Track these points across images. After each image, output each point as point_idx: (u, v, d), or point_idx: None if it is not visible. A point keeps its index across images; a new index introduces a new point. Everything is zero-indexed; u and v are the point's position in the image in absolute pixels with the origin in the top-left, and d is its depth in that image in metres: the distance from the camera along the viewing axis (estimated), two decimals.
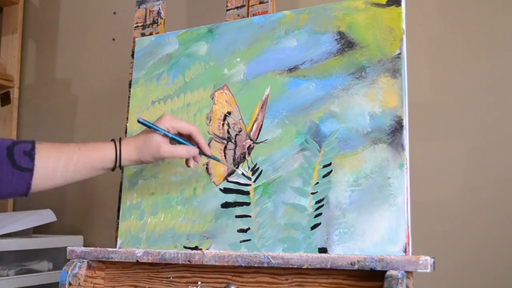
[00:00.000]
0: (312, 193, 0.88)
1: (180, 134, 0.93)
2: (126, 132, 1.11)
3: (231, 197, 0.95)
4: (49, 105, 1.82)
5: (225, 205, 0.95)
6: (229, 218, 0.94)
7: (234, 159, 0.97)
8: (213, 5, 1.50)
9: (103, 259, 0.93)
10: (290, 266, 0.78)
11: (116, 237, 1.05)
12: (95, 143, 0.94)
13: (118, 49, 1.67)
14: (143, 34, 1.17)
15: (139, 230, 1.02)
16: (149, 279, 0.93)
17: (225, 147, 0.99)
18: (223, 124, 1.00)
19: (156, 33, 1.16)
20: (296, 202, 0.89)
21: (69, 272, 0.92)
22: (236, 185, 0.95)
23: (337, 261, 0.74)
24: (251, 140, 0.97)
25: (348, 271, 0.76)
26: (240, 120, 0.99)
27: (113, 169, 0.93)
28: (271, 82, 0.97)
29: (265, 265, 0.79)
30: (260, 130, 0.96)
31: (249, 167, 0.95)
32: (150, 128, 0.91)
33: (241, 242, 0.92)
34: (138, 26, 1.19)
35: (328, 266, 0.75)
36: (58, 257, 1.50)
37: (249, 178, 0.94)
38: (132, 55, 1.16)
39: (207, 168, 0.99)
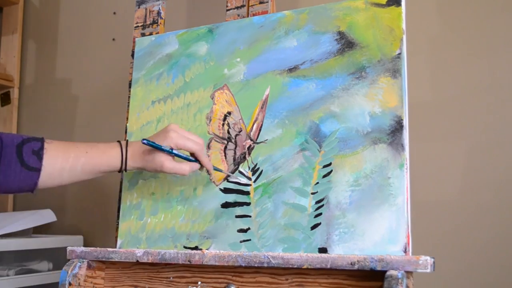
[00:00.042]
0: (312, 193, 0.88)
1: None
2: (126, 132, 1.11)
3: (231, 197, 0.95)
4: (49, 105, 1.82)
5: (225, 205, 0.95)
6: (229, 218, 0.94)
7: (234, 159, 0.97)
8: (213, 5, 1.50)
9: (103, 259, 0.93)
10: (290, 266, 0.78)
11: (116, 237, 1.05)
12: (102, 146, 0.95)
13: (118, 49, 1.67)
14: (143, 34, 1.17)
15: (139, 230, 1.02)
16: (149, 279, 0.93)
17: (225, 147, 0.99)
18: (223, 124, 1.00)
19: (156, 33, 1.16)
20: (296, 202, 0.89)
21: (69, 272, 0.92)
22: (236, 185, 0.95)
23: (337, 261, 0.74)
24: (251, 140, 0.97)
25: (348, 271, 0.76)
26: (240, 120, 0.99)
27: (119, 171, 0.96)
28: (271, 82, 0.97)
29: (265, 265, 0.79)
30: (260, 130, 0.96)
31: (249, 167, 0.95)
32: (154, 147, 0.91)
33: (241, 242, 0.92)
34: (138, 26, 1.19)
35: (328, 266, 0.75)
36: (58, 257, 1.50)
37: (250, 178, 0.94)
38: (132, 55, 1.16)
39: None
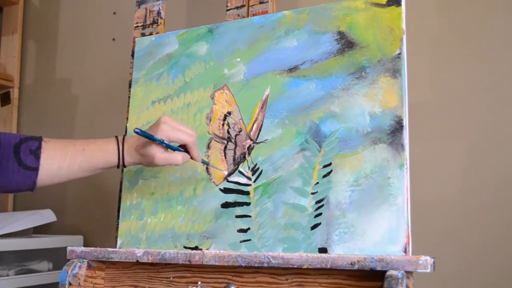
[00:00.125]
0: (312, 193, 0.88)
1: None
2: (126, 132, 1.11)
3: (231, 197, 0.95)
4: (49, 105, 1.82)
5: (225, 205, 0.95)
6: (229, 218, 0.94)
7: (234, 159, 0.97)
8: (213, 5, 1.50)
9: (103, 259, 0.93)
10: (290, 266, 0.78)
11: (116, 237, 1.05)
12: (99, 142, 0.96)
13: (118, 49, 1.67)
14: (143, 34, 1.17)
15: (139, 230, 1.02)
16: (149, 279, 0.93)
17: (225, 147, 0.99)
18: (223, 124, 1.00)
19: (156, 33, 1.16)
20: (296, 202, 0.89)
21: (69, 272, 0.92)
22: (236, 185, 0.95)
23: (337, 261, 0.74)
24: (251, 140, 0.97)
25: (348, 271, 0.76)
26: (240, 120, 0.99)
27: (118, 167, 0.97)
28: (271, 82, 0.97)
29: (265, 265, 0.79)
30: (260, 130, 0.96)
31: (249, 167, 0.95)
32: (146, 137, 0.90)
33: (241, 242, 0.92)
34: (138, 26, 1.19)
35: (328, 266, 0.75)
36: (58, 257, 1.50)
37: (250, 178, 0.94)
38: (132, 55, 1.16)
39: (207, 168, 0.99)
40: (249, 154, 0.96)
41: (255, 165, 0.95)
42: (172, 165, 0.93)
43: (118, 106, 1.53)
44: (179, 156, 0.92)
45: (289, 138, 0.93)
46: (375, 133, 0.86)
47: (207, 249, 0.94)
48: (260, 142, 0.95)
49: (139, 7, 1.20)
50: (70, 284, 0.91)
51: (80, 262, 0.93)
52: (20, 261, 1.44)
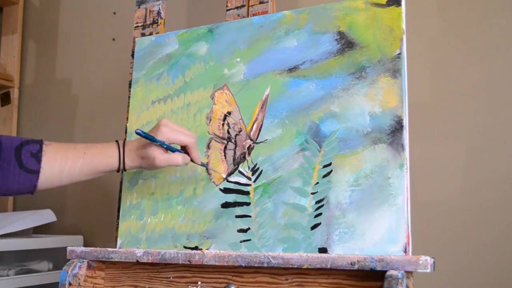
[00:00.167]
0: (312, 193, 0.88)
1: None
2: (126, 132, 1.11)
3: (231, 197, 0.95)
4: (49, 105, 1.82)
5: (225, 205, 0.95)
6: (229, 218, 0.94)
7: (234, 159, 0.97)
8: (213, 5, 1.50)
9: (103, 259, 0.93)
10: (290, 266, 0.78)
11: (116, 237, 1.05)
12: (100, 146, 0.96)
13: (118, 49, 1.67)
14: (143, 34, 1.17)
15: (139, 230, 1.02)
16: (149, 279, 0.93)
17: (225, 147, 0.99)
18: (223, 124, 1.00)
19: (156, 33, 1.16)
20: (296, 202, 0.89)
21: (69, 272, 0.92)
22: (236, 185, 0.95)
23: (337, 261, 0.74)
24: (251, 140, 0.97)
25: (348, 271, 0.76)
26: (240, 120, 0.99)
27: (118, 171, 0.97)
28: (271, 82, 0.97)
29: (265, 265, 0.79)
30: (260, 130, 0.96)
31: (249, 167, 0.95)
32: (147, 139, 0.91)
33: (241, 242, 0.92)
34: (138, 26, 1.19)
35: (328, 266, 0.75)
36: (58, 257, 1.50)
37: (249, 178, 0.94)
38: (132, 55, 1.16)
39: (207, 168, 0.99)
40: (249, 154, 0.96)
41: (255, 165, 0.95)
42: (173, 166, 0.94)
43: (118, 106, 1.54)
44: (179, 157, 0.93)
45: (289, 138, 0.93)
46: (375, 133, 0.86)
47: (207, 249, 0.94)
48: (260, 142, 0.95)
49: (139, 7, 1.20)
50: (70, 284, 0.91)
51: (80, 262, 0.93)
52: (20, 261, 1.44)
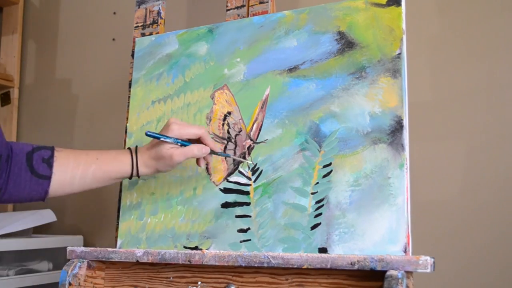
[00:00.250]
0: (312, 193, 0.88)
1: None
2: (126, 132, 1.11)
3: (231, 197, 0.95)
4: (49, 105, 1.82)
5: (225, 205, 0.95)
6: (229, 218, 0.94)
7: (234, 159, 0.97)
8: (213, 5, 1.50)
9: (103, 259, 0.93)
10: (290, 266, 0.78)
11: (116, 237, 1.05)
12: (112, 152, 0.95)
13: (118, 49, 1.67)
14: (143, 34, 1.17)
15: (139, 230, 1.02)
16: (149, 279, 0.93)
17: (225, 147, 0.99)
18: (223, 124, 1.00)
19: (156, 33, 1.16)
20: (296, 202, 0.89)
21: (69, 272, 0.92)
22: (236, 185, 0.95)
23: (337, 261, 0.74)
24: (251, 140, 0.97)
25: (348, 271, 0.76)
26: (240, 120, 0.99)
27: (131, 178, 0.96)
28: (271, 82, 0.97)
29: (265, 265, 0.79)
30: (260, 130, 0.96)
31: (249, 167, 0.95)
32: (159, 139, 0.90)
33: (241, 242, 0.92)
34: (138, 26, 1.19)
35: (328, 266, 0.75)
36: (58, 257, 1.50)
37: (249, 178, 0.94)
38: (132, 55, 1.16)
39: (207, 168, 0.99)
40: (249, 154, 0.96)
41: (255, 165, 0.95)
42: (190, 158, 0.92)
43: (118, 106, 1.54)
44: (195, 148, 0.91)
45: (289, 138, 0.93)
46: (375, 133, 0.86)
47: (207, 249, 0.94)
48: (260, 142, 0.95)
49: (139, 7, 1.20)
50: (70, 284, 0.91)
51: (80, 262, 0.93)
52: (20, 261, 1.44)
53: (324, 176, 0.88)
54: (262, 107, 0.97)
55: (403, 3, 0.89)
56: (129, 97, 1.13)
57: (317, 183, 0.88)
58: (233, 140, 0.99)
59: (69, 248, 0.96)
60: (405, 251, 0.78)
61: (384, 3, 0.90)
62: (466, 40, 1.19)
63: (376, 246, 0.80)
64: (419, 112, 1.17)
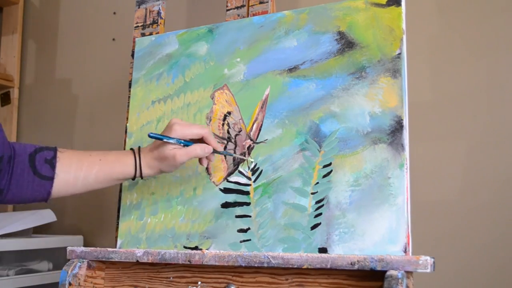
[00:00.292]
0: (312, 193, 0.88)
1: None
2: (126, 132, 1.11)
3: (231, 197, 0.95)
4: (49, 105, 1.82)
5: (225, 205, 0.95)
6: (229, 218, 0.94)
7: (234, 159, 0.97)
8: (213, 5, 1.50)
9: (103, 259, 0.93)
10: (290, 266, 0.78)
11: (116, 237, 1.05)
12: (115, 154, 0.95)
13: (118, 49, 1.67)
14: (143, 34, 1.17)
15: (139, 230, 1.02)
16: (149, 279, 0.93)
17: (225, 147, 0.99)
18: (223, 124, 1.00)
19: (156, 33, 1.16)
20: (296, 202, 0.89)
21: (69, 272, 0.92)
22: (236, 185, 0.95)
23: (337, 261, 0.74)
24: (251, 140, 0.97)
25: (348, 271, 0.76)
26: (240, 120, 0.99)
27: (134, 179, 0.96)
28: (271, 82, 0.97)
29: (265, 265, 0.79)
30: (260, 130, 0.96)
31: (249, 167, 0.95)
32: (161, 140, 0.90)
33: (241, 242, 0.92)
34: (138, 26, 1.19)
35: (328, 266, 0.75)
36: (58, 257, 1.50)
37: (249, 178, 0.94)
38: (132, 55, 1.16)
39: (207, 168, 0.99)
40: (249, 154, 0.96)
41: (255, 165, 0.95)
42: (193, 158, 0.92)
43: (118, 106, 1.54)
44: (197, 148, 0.91)
45: (289, 138, 0.93)
46: (375, 133, 0.86)
47: (207, 249, 0.94)
48: (260, 142, 0.95)
49: (139, 7, 1.20)
50: (70, 284, 0.91)
51: (80, 262, 0.93)
52: (20, 261, 1.44)
53: (324, 176, 0.88)
54: (262, 107, 0.97)
55: (403, 3, 0.89)
56: (129, 97, 1.13)
57: (317, 183, 0.88)
58: (233, 140, 0.99)
59: (69, 248, 0.96)
60: (405, 251, 0.78)
61: (384, 3, 0.90)
62: (466, 40, 1.19)
63: (376, 246, 0.80)
64: (419, 112, 1.17)
